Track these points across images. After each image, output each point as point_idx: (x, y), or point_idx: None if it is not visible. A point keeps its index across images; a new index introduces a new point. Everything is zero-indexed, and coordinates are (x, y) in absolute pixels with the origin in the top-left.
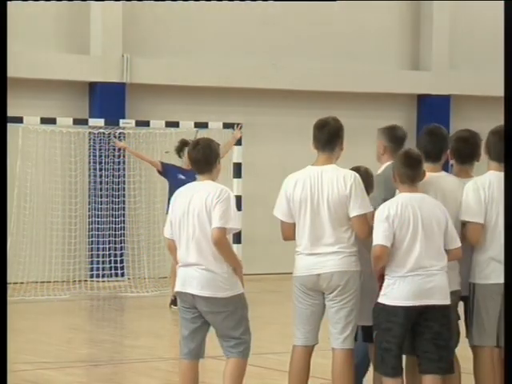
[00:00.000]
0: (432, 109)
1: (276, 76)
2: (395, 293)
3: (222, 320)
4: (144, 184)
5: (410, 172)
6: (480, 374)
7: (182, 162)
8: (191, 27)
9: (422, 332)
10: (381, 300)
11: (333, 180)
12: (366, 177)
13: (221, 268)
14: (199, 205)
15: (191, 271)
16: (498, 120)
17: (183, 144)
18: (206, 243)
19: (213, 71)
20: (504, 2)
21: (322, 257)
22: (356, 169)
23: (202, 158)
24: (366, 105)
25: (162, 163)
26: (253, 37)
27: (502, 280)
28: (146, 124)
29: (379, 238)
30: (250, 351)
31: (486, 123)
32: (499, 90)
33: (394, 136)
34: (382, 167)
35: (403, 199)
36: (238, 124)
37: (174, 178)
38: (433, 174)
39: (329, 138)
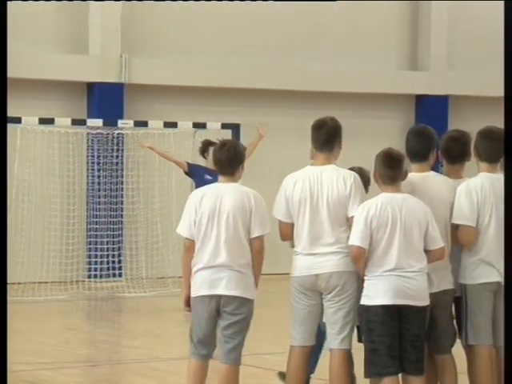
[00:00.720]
0: (430, 109)
1: (274, 76)
2: (374, 292)
3: (235, 322)
4: (142, 184)
5: (390, 172)
6: (478, 373)
7: (207, 163)
8: (190, 27)
9: (403, 333)
10: (362, 301)
11: (332, 180)
12: (362, 176)
13: (249, 271)
14: (233, 208)
15: (219, 272)
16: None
17: (207, 144)
18: (238, 246)
19: (211, 71)
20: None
21: (320, 257)
22: (350, 169)
23: (227, 160)
24: (365, 105)
25: (188, 163)
26: (251, 37)
27: (492, 279)
28: (145, 124)
29: (355, 238)
30: (241, 358)
31: (485, 123)
32: (497, 91)
33: None
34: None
35: (383, 199)
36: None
37: (201, 178)
38: (419, 174)
39: (327, 138)
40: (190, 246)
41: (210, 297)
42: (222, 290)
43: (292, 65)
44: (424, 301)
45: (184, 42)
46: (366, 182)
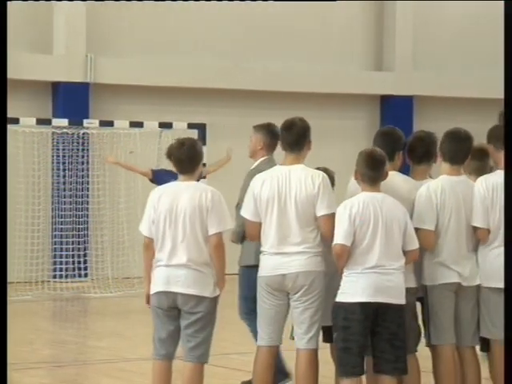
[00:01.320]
0: (395, 109)
1: (240, 76)
2: (352, 290)
3: (195, 319)
4: (108, 185)
5: (371, 173)
6: (441, 373)
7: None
8: (155, 27)
9: (379, 332)
10: (338, 298)
11: (301, 179)
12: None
13: (208, 269)
14: (190, 206)
15: (177, 270)
16: (460, 121)
17: None
18: (196, 245)
19: (177, 71)
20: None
21: (287, 257)
22: (316, 170)
23: (187, 159)
24: (330, 105)
25: (153, 171)
26: (217, 37)
27: (451, 280)
28: (110, 124)
29: (340, 236)
30: (208, 356)
31: (449, 124)
32: (462, 91)
33: (272, 132)
34: (256, 162)
35: (365, 198)
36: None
37: (166, 183)
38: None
39: (297, 138)
40: (148, 244)
41: (166, 293)
42: (178, 288)
43: (258, 65)
44: (402, 299)
45: (150, 41)
46: (330, 183)
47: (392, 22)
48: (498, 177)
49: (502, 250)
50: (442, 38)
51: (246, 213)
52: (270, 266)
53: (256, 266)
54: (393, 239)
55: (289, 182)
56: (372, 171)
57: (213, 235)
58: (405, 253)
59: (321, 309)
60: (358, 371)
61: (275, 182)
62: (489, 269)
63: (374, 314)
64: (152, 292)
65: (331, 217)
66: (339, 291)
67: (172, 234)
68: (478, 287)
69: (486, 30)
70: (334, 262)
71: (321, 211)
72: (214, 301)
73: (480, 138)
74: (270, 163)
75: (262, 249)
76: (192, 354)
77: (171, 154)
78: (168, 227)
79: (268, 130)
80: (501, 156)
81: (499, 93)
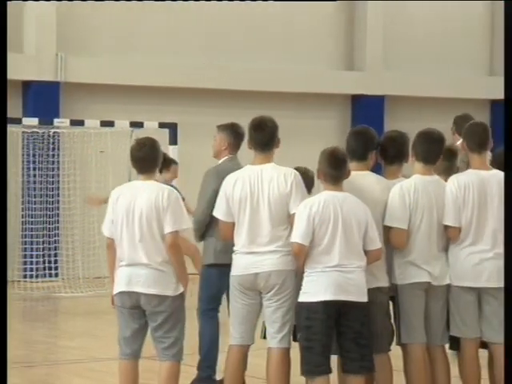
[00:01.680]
0: (366, 109)
1: (212, 76)
2: (314, 289)
3: (162, 320)
4: (79, 184)
5: (333, 172)
6: (412, 371)
7: (160, 177)
8: (126, 26)
9: (343, 332)
10: (300, 298)
11: (273, 178)
12: (306, 177)
13: (169, 267)
14: (147, 206)
15: (138, 270)
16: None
17: (170, 161)
18: (154, 244)
19: (148, 70)
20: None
21: (259, 256)
22: (296, 170)
23: (148, 158)
24: (301, 105)
25: None
26: (189, 36)
27: (421, 279)
28: (81, 123)
29: (297, 235)
30: (182, 354)
31: (420, 123)
32: (432, 91)
33: (236, 132)
34: (220, 161)
35: (326, 197)
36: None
37: None
38: (355, 173)
39: (268, 139)
40: (110, 245)
41: (129, 293)
42: (140, 288)
43: (229, 64)
44: (364, 297)
45: (121, 41)
46: (310, 183)
47: (363, 21)
48: (469, 176)
49: (473, 249)
50: (413, 38)
51: (219, 213)
52: (242, 265)
53: (215, 265)
54: (353, 239)
55: (261, 181)
56: (334, 170)
57: (168, 234)
58: (366, 253)
59: (292, 308)
60: (322, 370)
61: (247, 181)
62: (460, 268)
63: (336, 314)
64: (115, 292)
65: None
66: (301, 291)
67: (130, 234)
68: (448, 286)
69: (457, 29)
70: None
71: (294, 209)
72: (179, 298)
73: (450, 138)
74: (232, 162)
75: (234, 248)
76: (167, 352)
77: (131, 154)
78: (125, 227)
79: (232, 129)
80: (473, 156)
81: (469, 93)
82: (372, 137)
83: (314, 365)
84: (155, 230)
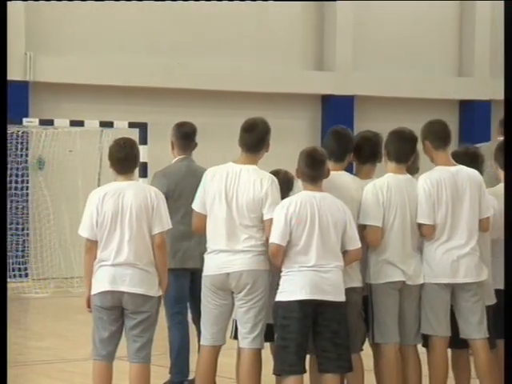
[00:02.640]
0: (336, 109)
1: (182, 75)
2: (290, 288)
3: (142, 319)
4: (49, 183)
5: (311, 172)
6: (383, 371)
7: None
8: (95, 26)
9: (320, 331)
10: (277, 298)
11: (250, 180)
12: (286, 179)
13: (153, 268)
14: (136, 205)
15: (123, 270)
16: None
17: None
18: (142, 244)
19: (118, 70)
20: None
21: (231, 255)
22: (275, 172)
23: (129, 158)
24: (271, 105)
25: None
26: (159, 36)
27: (396, 278)
28: (50, 123)
29: (275, 236)
30: (150, 356)
31: (389, 123)
32: (401, 91)
33: (179, 132)
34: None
35: (303, 197)
36: None
37: None
38: (333, 173)
39: (257, 141)
40: (91, 247)
41: (112, 293)
42: (125, 287)
43: (199, 64)
44: (341, 296)
45: (91, 40)
46: (290, 186)
47: (332, 22)
48: (440, 173)
49: (449, 245)
50: (383, 39)
51: (195, 204)
52: (214, 265)
53: (170, 270)
54: (330, 239)
55: (238, 180)
56: (312, 170)
57: (157, 234)
58: (345, 252)
59: (265, 308)
60: (296, 370)
61: (224, 178)
62: (436, 265)
63: (313, 313)
64: (95, 292)
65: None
66: (278, 290)
67: (119, 233)
68: (421, 286)
69: (426, 30)
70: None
71: (268, 215)
72: (158, 300)
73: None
74: (181, 163)
75: (207, 246)
76: (138, 354)
77: (111, 154)
78: (114, 227)
79: (175, 129)
80: (438, 153)
81: (438, 93)
82: (352, 139)
83: (288, 364)
84: (145, 230)
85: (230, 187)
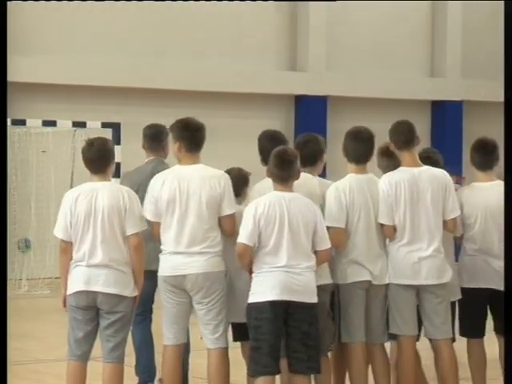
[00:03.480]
0: (309, 109)
1: (155, 75)
2: (261, 289)
3: (116, 319)
4: (20, 183)
5: (281, 173)
6: (351, 371)
7: None
8: (68, 26)
9: (291, 332)
10: (250, 299)
11: (204, 179)
12: (241, 176)
13: (128, 268)
14: (109, 206)
15: (97, 270)
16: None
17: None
18: (115, 245)
19: (91, 70)
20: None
21: (188, 257)
22: (229, 171)
23: (98, 158)
24: (245, 105)
25: None
26: (132, 36)
27: (362, 278)
28: (23, 123)
29: (243, 236)
30: (124, 356)
31: (362, 123)
32: (374, 92)
33: (147, 134)
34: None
35: (272, 198)
36: None
37: None
38: (306, 175)
39: (198, 140)
40: (66, 248)
41: (87, 293)
42: (99, 287)
43: (173, 65)
44: (312, 298)
45: (62, 40)
46: (245, 183)
47: (305, 22)
48: (401, 174)
49: (410, 247)
50: (355, 39)
51: (148, 214)
52: (169, 266)
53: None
54: (300, 239)
55: (191, 182)
56: (281, 171)
57: (133, 235)
58: (316, 253)
59: (224, 307)
60: (269, 371)
61: (176, 182)
62: (398, 266)
63: (284, 314)
64: (70, 292)
65: (233, 216)
66: (250, 292)
67: (92, 234)
68: (387, 285)
69: (398, 31)
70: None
71: (226, 211)
72: (133, 301)
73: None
74: (149, 165)
75: (162, 247)
76: (112, 354)
77: (83, 155)
78: (87, 227)
79: (144, 131)
80: (402, 154)
81: (411, 93)
82: (320, 142)
83: (262, 365)
84: (117, 231)
85: (184, 189)
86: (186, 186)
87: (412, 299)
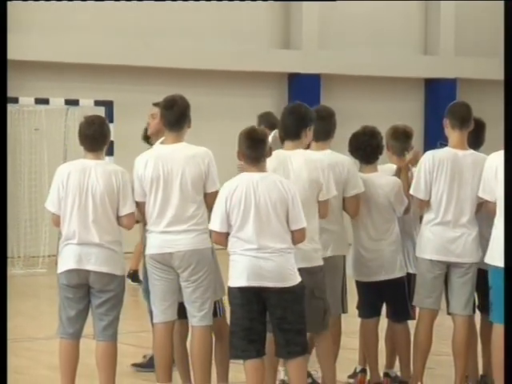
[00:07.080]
0: (302, 87)
1: (147, 54)
2: (233, 273)
3: (108, 297)
4: (11, 161)
5: (250, 153)
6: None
7: None
8: (61, 4)
9: (270, 318)
10: (228, 283)
11: (188, 157)
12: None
13: (119, 247)
14: (102, 185)
15: (88, 249)
16: (366, 98)
17: None
18: (107, 224)
19: (84, 48)
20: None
21: (174, 235)
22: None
23: (97, 136)
24: (238, 83)
25: None
26: (124, 14)
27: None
28: (15, 101)
29: (213, 223)
30: (117, 334)
31: (356, 102)
32: (367, 70)
33: None
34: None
35: (241, 180)
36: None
37: None
38: (287, 151)
39: (178, 117)
40: (57, 221)
41: (78, 271)
42: (91, 266)
43: (165, 43)
44: (286, 281)
45: (55, 17)
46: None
47: (299, 0)
48: (446, 153)
49: (445, 226)
50: (349, 17)
51: (135, 195)
52: (156, 245)
53: None
54: (269, 221)
55: (174, 161)
56: (251, 151)
57: (127, 216)
58: (292, 232)
59: (211, 285)
60: (247, 355)
61: (159, 161)
62: (431, 242)
63: (259, 298)
64: (61, 270)
65: (217, 193)
66: (228, 275)
67: (82, 214)
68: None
69: (392, 8)
70: None
71: (212, 187)
72: (124, 279)
73: (385, 117)
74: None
75: (147, 227)
76: (105, 332)
77: (80, 131)
78: (77, 205)
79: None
80: (453, 134)
81: (404, 71)
82: (305, 114)
83: (240, 349)
84: (109, 211)
85: (167, 168)
86: (169, 166)
87: (441, 275)
